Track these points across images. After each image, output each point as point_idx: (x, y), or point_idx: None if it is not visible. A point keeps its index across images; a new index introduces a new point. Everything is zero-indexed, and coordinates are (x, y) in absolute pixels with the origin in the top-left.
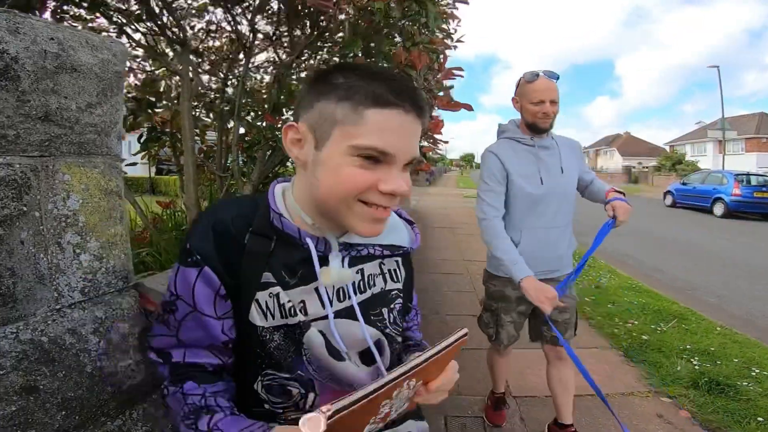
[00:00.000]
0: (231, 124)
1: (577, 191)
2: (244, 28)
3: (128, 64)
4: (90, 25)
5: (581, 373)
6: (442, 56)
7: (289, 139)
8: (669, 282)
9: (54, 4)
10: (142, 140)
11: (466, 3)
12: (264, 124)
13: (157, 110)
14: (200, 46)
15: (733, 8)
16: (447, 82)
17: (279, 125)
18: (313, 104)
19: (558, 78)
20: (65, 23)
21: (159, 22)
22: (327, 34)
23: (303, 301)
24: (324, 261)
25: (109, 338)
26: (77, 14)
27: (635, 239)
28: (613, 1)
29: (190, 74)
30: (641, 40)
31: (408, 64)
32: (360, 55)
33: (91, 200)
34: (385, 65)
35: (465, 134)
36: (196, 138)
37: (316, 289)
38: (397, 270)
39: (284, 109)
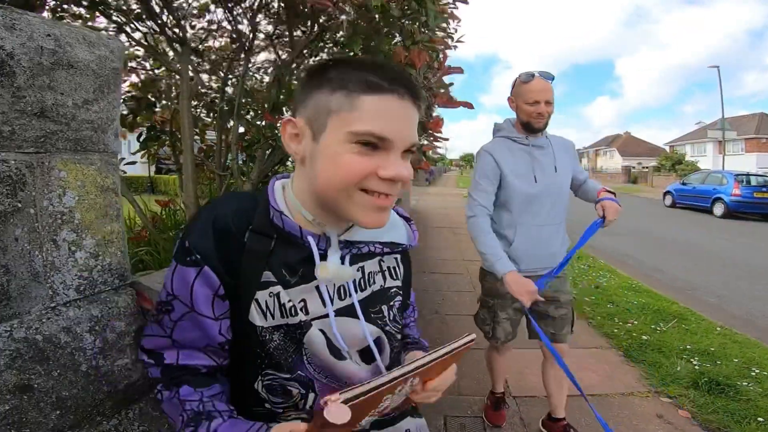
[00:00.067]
0: (231, 123)
1: (570, 190)
2: (245, 27)
3: (128, 63)
4: (90, 24)
5: (562, 369)
6: (441, 55)
7: (288, 135)
8: (669, 282)
9: (54, 3)
10: (141, 139)
11: (466, 3)
12: (263, 123)
13: (156, 109)
14: (200, 46)
15: (733, 8)
16: (447, 79)
17: (278, 124)
18: (309, 98)
19: (553, 79)
20: (65, 21)
21: (159, 22)
22: (327, 33)
23: (304, 300)
24: (325, 259)
25: (105, 337)
26: (77, 13)
27: (635, 239)
28: (613, 1)
29: (190, 74)
30: (641, 40)
31: (408, 62)
32: (360, 54)
33: (87, 197)
34: None
35: (465, 134)
36: (196, 137)
37: (317, 288)
38: (397, 267)
39: (284, 108)
